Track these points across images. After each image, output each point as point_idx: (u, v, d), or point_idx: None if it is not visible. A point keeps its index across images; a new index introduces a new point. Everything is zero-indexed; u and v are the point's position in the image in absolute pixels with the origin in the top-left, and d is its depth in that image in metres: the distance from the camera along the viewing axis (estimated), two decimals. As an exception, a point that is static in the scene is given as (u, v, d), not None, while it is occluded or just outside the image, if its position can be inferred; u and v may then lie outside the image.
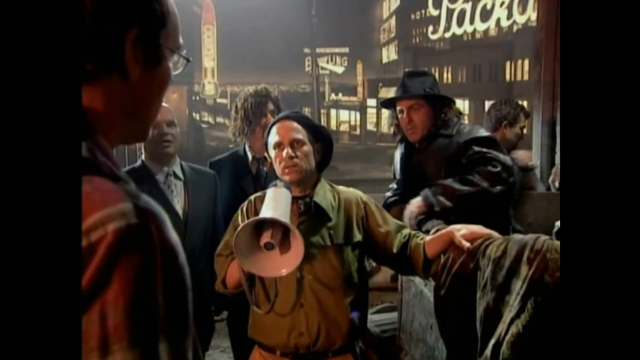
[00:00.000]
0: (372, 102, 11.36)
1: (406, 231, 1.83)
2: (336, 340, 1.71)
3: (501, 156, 2.12)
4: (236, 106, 2.42)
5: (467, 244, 1.57)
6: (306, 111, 11.69)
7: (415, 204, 2.09)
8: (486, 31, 9.46)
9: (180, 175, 2.12)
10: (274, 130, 1.75)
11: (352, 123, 13.24)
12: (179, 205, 2.07)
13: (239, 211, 1.77)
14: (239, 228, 1.45)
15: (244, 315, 2.21)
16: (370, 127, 12.55)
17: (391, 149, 4.39)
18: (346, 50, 11.58)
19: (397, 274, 3.94)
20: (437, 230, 1.77)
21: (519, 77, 9.46)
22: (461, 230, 1.63)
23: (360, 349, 2.43)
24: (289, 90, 10.08)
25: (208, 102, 12.70)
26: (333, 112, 12.63)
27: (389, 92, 12.25)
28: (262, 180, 2.39)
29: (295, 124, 1.74)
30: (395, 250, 1.77)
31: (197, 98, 11.92)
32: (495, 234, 1.60)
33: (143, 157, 2.10)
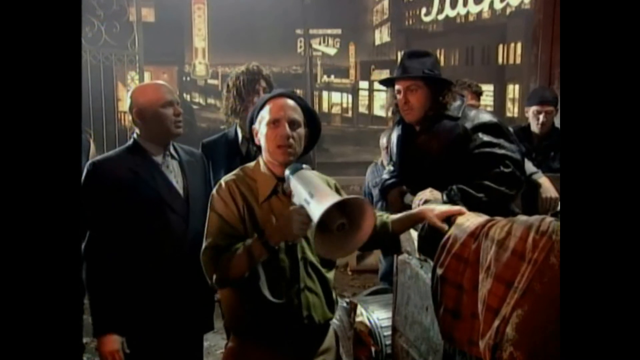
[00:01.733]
0: (364, 84, 11.29)
1: (380, 212, 1.86)
2: (328, 314, 1.74)
3: (509, 151, 2.05)
4: (227, 85, 2.36)
5: (443, 225, 1.58)
6: (298, 93, 11.52)
7: (430, 193, 2.04)
8: (479, 14, 9.37)
9: (175, 155, 2.07)
10: (269, 106, 1.67)
11: (344, 105, 13.15)
12: (178, 185, 2.02)
13: (216, 196, 1.67)
14: (323, 211, 1.30)
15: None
16: (362, 109, 12.47)
17: (384, 131, 4.34)
18: (338, 31, 11.43)
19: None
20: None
21: (511, 60, 9.42)
22: (434, 211, 1.64)
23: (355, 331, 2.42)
24: (281, 71, 9.96)
25: (199, 83, 12.53)
26: (325, 94, 12.53)
27: (381, 75, 12.21)
28: (251, 160, 2.37)
29: (294, 104, 1.68)
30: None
31: (188, 79, 11.75)
32: (463, 209, 1.62)
33: (135, 136, 2.02)
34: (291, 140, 1.60)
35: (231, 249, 1.54)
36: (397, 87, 2.22)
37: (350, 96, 12.40)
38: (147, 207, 1.92)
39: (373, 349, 2.27)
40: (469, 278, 1.36)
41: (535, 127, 3.01)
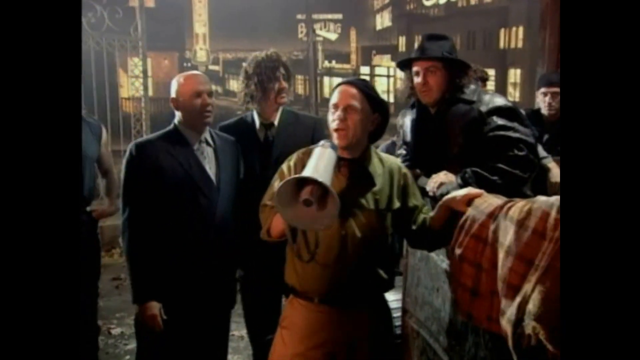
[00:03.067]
0: (365, 69, 11.19)
1: (426, 210, 1.90)
2: (371, 293, 1.81)
3: (524, 135, 2.07)
4: (246, 71, 2.38)
5: (467, 208, 1.63)
6: (300, 79, 11.45)
7: (444, 176, 2.04)
8: (481, -3, 9.42)
9: (211, 142, 2.18)
10: (335, 91, 1.77)
11: (345, 91, 12.91)
12: (211, 171, 2.13)
13: (285, 163, 1.80)
14: (282, 182, 1.48)
15: (258, 275, 2.26)
16: (362, 95, 12.26)
17: (401, 111, 4.31)
18: (339, 16, 11.36)
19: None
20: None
21: (512, 45, 9.37)
22: (456, 197, 1.69)
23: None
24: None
25: (200, 69, 12.46)
26: (326, 79, 12.46)
27: (382, 60, 12.15)
28: (269, 146, 2.41)
29: (355, 91, 1.73)
30: (415, 226, 1.85)
31: (189, 65, 11.65)
32: (483, 192, 1.65)
33: (176, 122, 2.14)
34: (345, 123, 1.68)
35: (274, 209, 1.66)
36: (415, 68, 2.20)
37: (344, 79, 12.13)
38: (180, 188, 2.04)
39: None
40: (488, 257, 1.38)
41: (544, 110, 3.01)
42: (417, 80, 2.16)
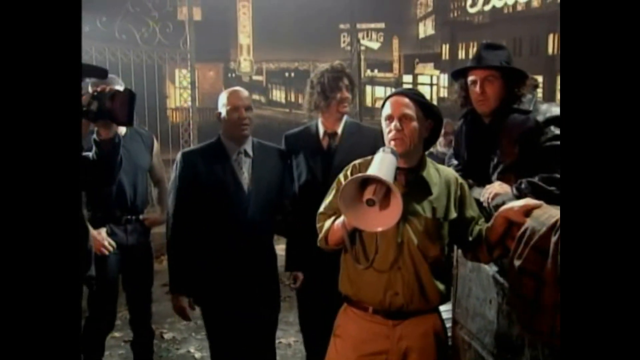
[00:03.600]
0: (407, 78, 11.10)
1: (482, 221, 1.88)
2: (425, 304, 1.79)
3: None
4: (312, 81, 2.49)
5: (525, 219, 1.60)
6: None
7: (499, 187, 2.03)
8: (528, 3, 9.08)
9: (251, 153, 2.33)
10: (387, 103, 1.81)
11: (387, 100, 12.85)
12: (245, 181, 2.29)
13: (342, 173, 1.85)
14: (346, 181, 1.52)
15: (315, 283, 2.29)
16: (405, 103, 12.13)
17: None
18: (382, 25, 11.33)
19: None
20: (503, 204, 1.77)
21: (562, 51, 9.05)
22: (514, 208, 1.68)
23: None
24: (325, 67, 9.77)
25: (244, 80, 12.61)
26: (368, 88, 12.44)
27: (425, 68, 12.02)
28: (332, 154, 2.45)
29: (407, 100, 1.78)
30: (471, 237, 1.84)
31: (233, 75, 11.87)
32: (542, 203, 1.63)
33: (220, 134, 2.34)
34: (402, 133, 1.71)
35: (332, 217, 1.75)
36: (472, 77, 2.18)
37: (394, 90, 12.08)
38: (214, 195, 2.22)
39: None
40: (551, 270, 1.35)
41: None
42: (475, 89, 2.15)
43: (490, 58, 2.14)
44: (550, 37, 8.57)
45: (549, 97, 8.70)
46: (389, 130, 1.74)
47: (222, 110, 2.25)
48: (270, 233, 2.33)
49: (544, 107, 2.11)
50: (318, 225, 1.81)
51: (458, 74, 2.28)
